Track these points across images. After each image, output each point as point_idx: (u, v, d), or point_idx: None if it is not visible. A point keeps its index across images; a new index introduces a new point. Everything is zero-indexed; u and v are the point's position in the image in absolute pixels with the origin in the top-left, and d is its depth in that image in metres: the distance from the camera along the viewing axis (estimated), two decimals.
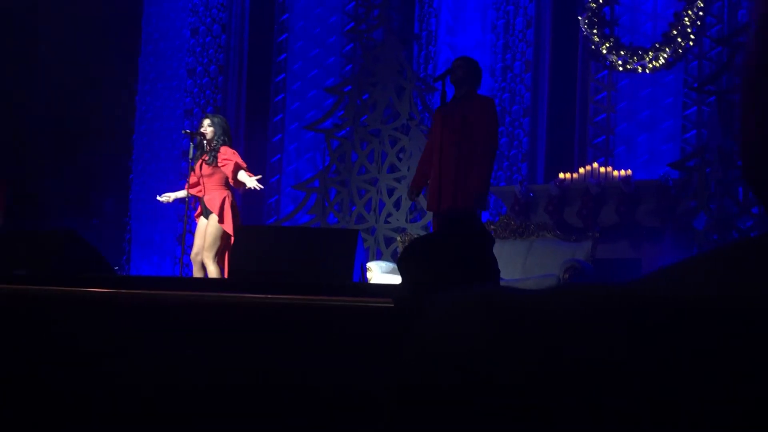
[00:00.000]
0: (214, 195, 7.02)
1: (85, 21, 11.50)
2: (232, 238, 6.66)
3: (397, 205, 10.07)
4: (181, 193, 7.32)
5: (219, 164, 7.01)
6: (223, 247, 6.95)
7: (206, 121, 7.19)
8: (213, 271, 6.92)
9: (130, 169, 12.15)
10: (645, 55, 9.79)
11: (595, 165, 9.27)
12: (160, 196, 7.54)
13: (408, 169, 10.01)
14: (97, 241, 7.16)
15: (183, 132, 8.03)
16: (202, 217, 7.12)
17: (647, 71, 9.84)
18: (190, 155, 7.37)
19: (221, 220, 6.94)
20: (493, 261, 2.23)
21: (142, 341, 3.91)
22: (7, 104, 11.09)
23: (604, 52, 9.97)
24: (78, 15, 11.50)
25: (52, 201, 11.03)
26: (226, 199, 6.99)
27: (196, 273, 7.03)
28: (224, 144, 7.07)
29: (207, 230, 6.99)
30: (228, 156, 7.02)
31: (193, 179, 7.16)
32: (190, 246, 7.54)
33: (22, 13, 11.23)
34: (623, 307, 0.50)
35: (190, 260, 7.25)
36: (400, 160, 10.13)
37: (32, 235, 6.10)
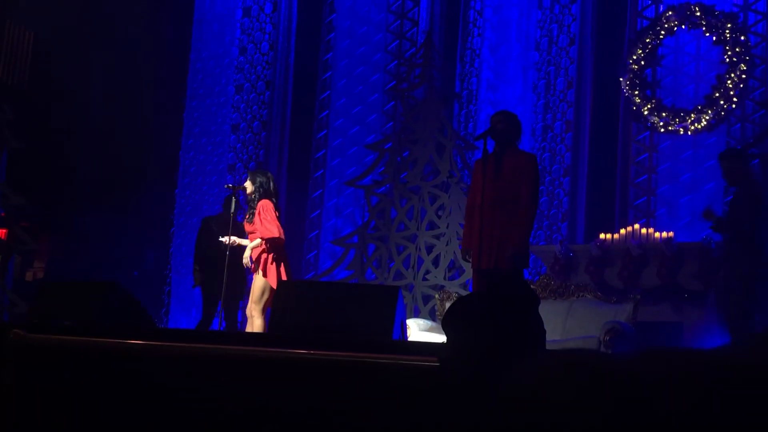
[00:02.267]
0: (257, 250, 7.05)
1: (133, 77, 11.77)
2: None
3: (435, 262, 10.05)
4: (245, 241, 7.33)
5: (254, 220, 7.07)
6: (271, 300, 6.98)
7: (248, 178, 7.28)
8: (258, 325, 6.94)
9: (172, 222, 12.29)
10: (687, 117, 9.77)
11: (636, 226, 9.21)
12: (222, 237, 7.58)
13: (447, 227, 10.01)
14: (137, 292, 7.23)
15: (226, 186, 8.13)
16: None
17: (689, 133, 9.81)
18: (232, 209, 7.43)
19: (264, 274, 6.97)
20: (539, 322, 2.22)
21: (180, 394, 3.91)
22: (55, 159, 11.32)
23: (646, 113, 9.97)
24: (126, 71, 11.77)
25: (95, 252, 11.16)
26: (264, 253, 7.01)
27: (249, 327, 7.06)
28: (261, 198, 7.10)
29: (254, 284, 7.04)
30: (257, 209, 7.06)
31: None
32: (228, 299, 7.61)
33: (73, 82, 11.50)
34: (706, 371, 0.51)
35: (222, 312, 7.30)
36: (439, 217, 10.13)
37: (75, 286, 6.16)
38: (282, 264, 7.06)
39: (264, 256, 7.01)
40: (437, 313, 8.99)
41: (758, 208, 6.72)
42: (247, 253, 7.06)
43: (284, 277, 6.98)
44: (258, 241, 6.98)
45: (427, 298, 9.85)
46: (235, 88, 12.27)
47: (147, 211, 11.76)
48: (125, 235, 11.57)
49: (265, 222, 6.96)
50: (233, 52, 12.40)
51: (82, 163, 11.58)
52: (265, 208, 7.01)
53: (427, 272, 10.03)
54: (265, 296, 6.95)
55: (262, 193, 7.11)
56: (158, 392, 3.91)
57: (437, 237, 10.08)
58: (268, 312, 6.96)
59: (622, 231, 9.18)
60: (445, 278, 9.92)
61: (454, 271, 10.04)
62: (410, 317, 8.97)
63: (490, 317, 2.11)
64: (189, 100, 12.62)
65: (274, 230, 6.94)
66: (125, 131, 11.47)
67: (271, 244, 6.99)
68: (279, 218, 7.11)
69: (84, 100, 11.64)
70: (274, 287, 6.78)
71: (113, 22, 11.53)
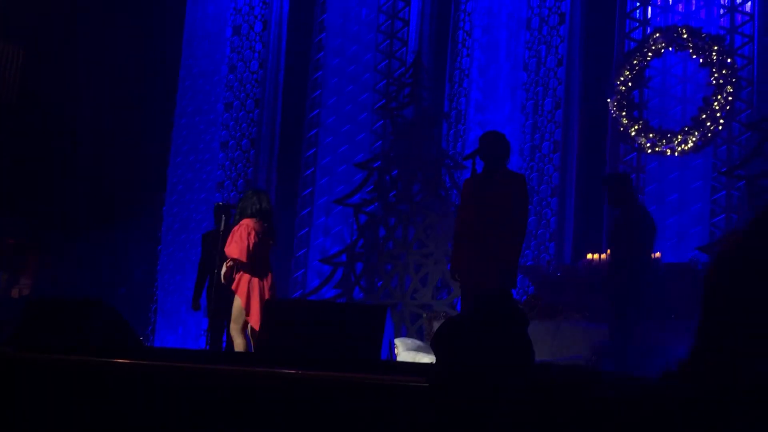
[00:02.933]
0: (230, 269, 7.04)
1: (122, 94, 11.76)
2: (247, 311, 6.74)
3: (423, 281, 10.05)
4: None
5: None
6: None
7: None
8: (239, 344, 6.92)
9: (159, 239, 12.25)
10: (674, 138, 9.83)
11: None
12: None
13: (435, 246, 10.02)
14: (123, 310, 7.19)
15: (216, 205, 8.15)
16: None
17: (676, 154, 9.87)
18: (221, 227, 7.43)
19: (237, 292, 6.97)
20: (528, 343, 2.22)
21: (165, 413, 3.89)
22: (43, 176, 11.28)
23: (633, 134, 10.03)
24: (115, 88, 11.76)
25: (82, 270, 11.11)
26: (237, 272, 7.00)
27: (233, 346, 7.05)
28: (242, 218, 7.09)
29: (233, 303, 7.02)
30: (234, 228, 7.07)
31: None
32: (212, 318, 7.61)
33: (62, 100, 11.47)
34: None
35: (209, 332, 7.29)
36: (427, 236, 10.14)
37: (61, 303, 6.12)
38: (256, 283, 6.99)
39: (237, 275, 7.00)
40: (425, 332, 8.99)
41: (636, 233, 6.79)
42: (222, 271, 7.05)
43: (256, 296, 6.94)
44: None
45: (414, 318, 9.84)
46: (225, 105, 12.28)
47: (134, 229, 11.72)
48: (112, 252, 11.52)
49: (233, 241, 6.98)
50: (223, 70, 12.42)
51: (70, 179, 11.55)
52: (240, 227, 7.01)
53: (415, 291, 10.03)
54: (242, 316, 6.93)
55: (241, 213, 7.11)
56: (144, 411, 3.89)
57: (425, 256, 10.09)
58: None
59: (609, 251, 9.19)
60: (433, 297, 9.92)
61: (442, 290, 10.05)
62: (398, 336, 8.97)
63: (478, 338, 2.12)
64: (178, 118, 12.62)
65: (234, 250, 6.93)
66: (114, 148, 11.45)
67: (235, 263, 6.98)
68: (261, 239, 7.05)
69: (73, 117, 11.62)
70: (242, 306, 6.82)
71: (102, 41, 11.53)
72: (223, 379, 3.88)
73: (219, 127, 12.28)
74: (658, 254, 8.94)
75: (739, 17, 9.94)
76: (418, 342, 8.48)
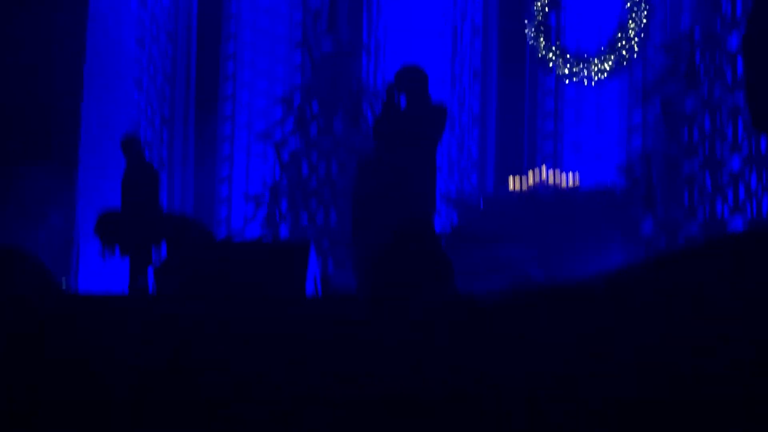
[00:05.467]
0: None
1: (31, 27, 11.30)
2: None
3: (346, 215, 10.05)
4: None
5: None
6: None
7: None
8: None
9: (76, 180, 11.95)
10: (591, 63, 9.92)
11: (543, 168, 9.35)
12: None
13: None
14: (43, 256, 7.04)
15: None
16: None
17: (594, 78, 9.97)
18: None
19: None
20: (446, 258, 2.24)
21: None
22: None
23: (551, 59, 10.09)
24: (24, 18, 11.29)
25: None
26: None
27: None
28: None
29: None
30: None
31: None
32: None
33: None
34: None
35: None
36: (350, 170, 10.11)
37: None
38: None
39: None
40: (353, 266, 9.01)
41: None
42: None
43: None
44: None
45: (339, 252, 9.85)
46: (137, 41, 11.92)
47: (48, 173, 11.39)
48: (26, 197, 11.20)
49: None
50: (132, 5, 12.02)
51: None
52: None
53: (341, 226, 10.03)
54: None
55: None
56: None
57: (348, 191, 10.07)
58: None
59: (530, 174, 9.31)
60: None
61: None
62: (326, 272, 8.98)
63: (406, 262, 2.13)
64: (89, 54, 12.20)
65: None
66: (23, 90, 11.04)
67: None
68: None
69: None
70: None
71: None
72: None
73: (132, 63, 11.93)
74: (576, 176, 9.09)
75: None
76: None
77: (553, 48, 10.08)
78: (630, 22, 9.73)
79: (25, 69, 11.08)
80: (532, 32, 10.16)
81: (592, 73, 9.93)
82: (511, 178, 9.28)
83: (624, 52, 9.77)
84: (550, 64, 10.10)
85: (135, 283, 7.94)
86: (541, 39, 10.12)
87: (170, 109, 11.74)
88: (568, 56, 10.02)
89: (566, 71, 10.03)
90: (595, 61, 9.89)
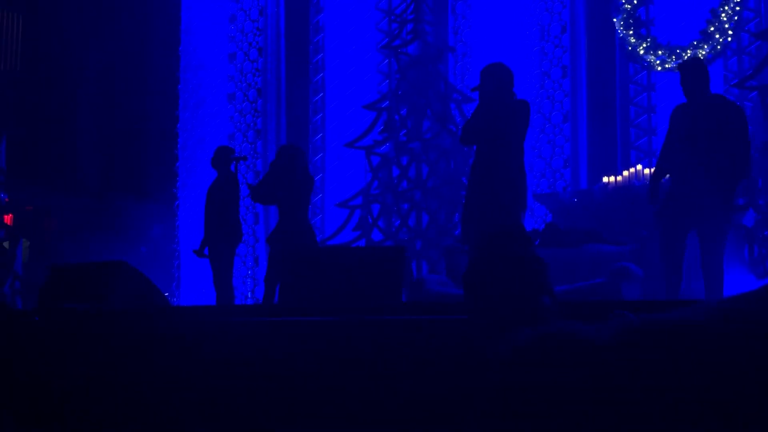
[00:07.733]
0: None
1: (125, 51, 11.69)
2: None
3: (440, 217, 10.06)
4: None
5: None
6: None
7: None
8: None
9: (175, 196, 12.29)
10: (683, 54, 9.69)
11: (639, 167, 9.18)
12: None
13: (449, 181, 9.99)
14: (146, 269, 7.25)
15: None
16: None
17: None
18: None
19: None
20: (539, 258, 2.23)
21: (197, 368, 3.94)
22: (53, 141, 11.30)
23: (642, 52, 9.90)
24: (118, 44, 11.69)
25: (100, 232, 11.18)
26: None
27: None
28: None
29: None
30: None
31: None
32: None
33: (63, 57, 11.42)
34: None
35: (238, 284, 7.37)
36: (441, 172, 10.12)
37: (83, 267, 6.13)
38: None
39: None
40: (446, 268, 9.01)
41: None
42: None
43: None
44: None
45: (434, 254, 9.87)
46: (229, 57, 12.20)
47: (148, 188, 11.75)
48: (128, 213, 11.57)
49: None
50: (223, 22, 12.31)
51: (81, 143, 11.56)
52: None
53: (433, 228, 10.04)
54: None
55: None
56: (170, 368, 3.94)
57: (440, 193, 10.07)
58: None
59: (625, 173, 9.15)
60: (451, 233, 9.93)
61: (459, 225, 10.05)
62: (420, 274, 9.01)
63: (507, 274, 2.12)
64: (183, 73, 12.55)
65: None
66: (120, 108, 11.43)
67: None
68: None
69: (78, 80, 11.59)
70: None
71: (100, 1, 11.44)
72: (252, 330, 3.92)
73: (224, 79, 12.21)
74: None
75: None
76: (443, 278, 8.50)
77: (644, 40, 9.89)
78: (722, 9, 9.48)
79: (122, 92, 11.48)
80: (621, 25, 9.99)
81: None
82: (605, 179, 9.13)
83: (718, 41, 9.52)
84: (642, 57, 9.91)
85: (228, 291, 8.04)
86: (631, 32, 9.94)
87: (263, 122, 11.97)
88: (659, 48, 9.81)
89: (658, 64, 9.82)
90: (688, 51, 9.66)
